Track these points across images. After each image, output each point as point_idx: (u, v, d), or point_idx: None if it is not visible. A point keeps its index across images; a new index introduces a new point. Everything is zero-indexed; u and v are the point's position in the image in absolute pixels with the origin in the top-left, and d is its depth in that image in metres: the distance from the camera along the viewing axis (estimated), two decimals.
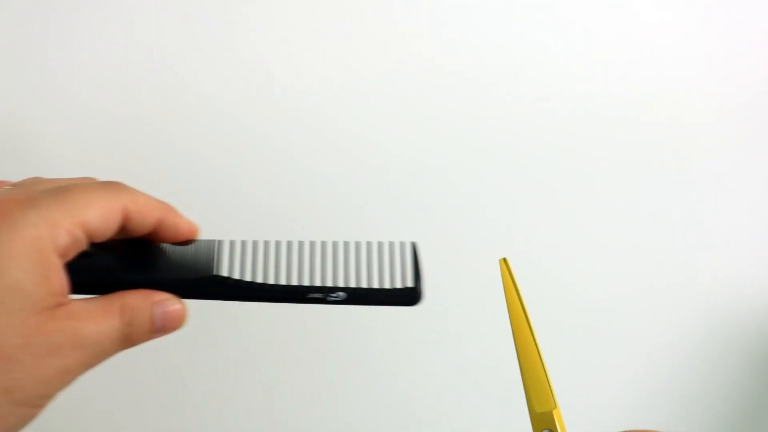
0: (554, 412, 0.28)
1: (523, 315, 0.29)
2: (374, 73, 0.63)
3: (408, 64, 0.64)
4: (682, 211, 0.65)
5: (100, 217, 0.26)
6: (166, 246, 0.30)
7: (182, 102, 0.63)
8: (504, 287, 0.30)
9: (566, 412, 0.65)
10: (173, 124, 0.62)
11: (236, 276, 0.30)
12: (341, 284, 0.30)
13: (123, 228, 0.27)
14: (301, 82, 0.63)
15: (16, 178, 0.60)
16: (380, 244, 0.31)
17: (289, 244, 0.31)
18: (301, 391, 0.64)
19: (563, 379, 0.64)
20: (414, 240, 0.32)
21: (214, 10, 0.62)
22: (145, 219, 0.28)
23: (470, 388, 0.65)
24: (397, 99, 0.64)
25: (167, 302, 0.28)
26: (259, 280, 0.30)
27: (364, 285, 0.31)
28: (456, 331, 0.65)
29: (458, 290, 0.62)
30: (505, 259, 0.31)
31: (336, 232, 0.61)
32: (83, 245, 0.26)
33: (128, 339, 0.27)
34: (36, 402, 0.25)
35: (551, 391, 0.28)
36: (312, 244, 0.31)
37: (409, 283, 0.31)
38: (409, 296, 0.31)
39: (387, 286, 0.31)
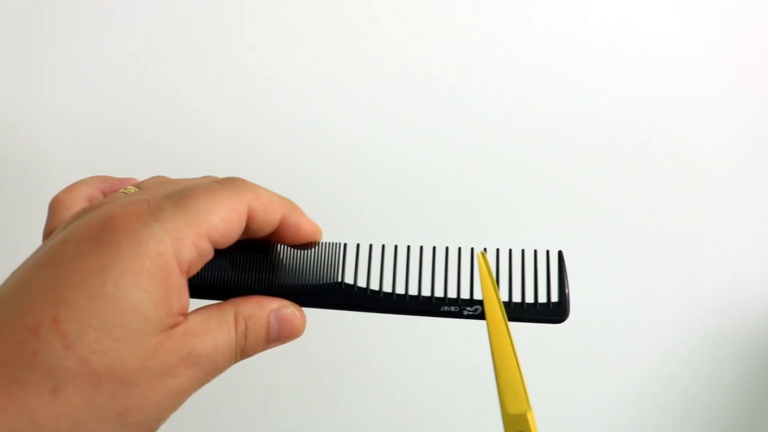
0: (528, 415, 0.25)
1: (500, 312, 0.26)
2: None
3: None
4: (683, 213, 0.63)
5: (224, 222, 0.23)
6: (286, 248, 0.27)
7: (180, 106, 0.61)
8: (481, 283, 0.27)
9: (566, 414, 0.63)
10: (171, 129, 0.61)
11: (362, 284, 0.27)
12: (478, 297, 0.27)
13: (246, 228, 0.24)
14: (299, 85, 0.61)
15: (13, 178, 0.61)
16: (522, 252, 0.27)
17: (421, 250, 0.27)
18: (300, 394, 0.63)
19: (563, 379, 0.63)
20: (560, 249, 0.28)
21: (210, 18, 0.61)
22: (268, 217, 0.25)
23: (470, 389, 0.63)
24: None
25: (283, 310, 0.26)
26: (387, 289, 0.27)
27: (503, 299, 0.27)
28: (455, 331, 0.62)
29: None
30: (482, 253, 0.27)
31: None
32: (210, 256, 0.23)
33: (242, 351, 0.25)
34: (150, 425, 0.22)
35: (525, 392, 0.25)
36: (446, 250, 0.27)
37: (555, 298, 0.27)
38: (554, 313, 0.27)
39: (529, 300, 0.27)
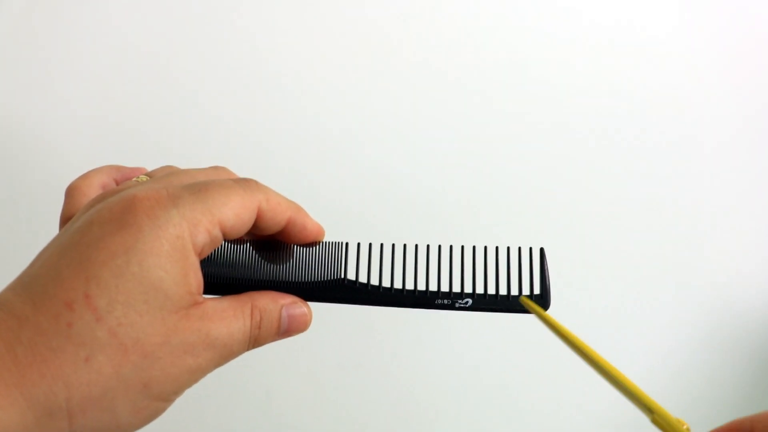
0: (653, 417, 0.25)
1: (588, 349, 0.27)
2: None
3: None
4: (684, 212, 0.64)
5: (236, 216, 0.25)
6: (293, 247, 0.29)
7: (180, 102, 0.63)
8: (557, 334, 0.27)
9: (568, 412, 0.64)
10: (173, 126, 0.63)
11: (363, 280, 0.29)
12: (468, 290, 0.29)
13: (255, 225, 0.27)
14: (301, 84, 0.63)
15: (13, 175, 0.62)
16: (507, 250, 0.30)
17: (416, 248, 0.30)
18: (300, 394, 0.64)
19: (565, 379, 0.64)
20: (542, 246, 0.30)
21: (212, 13, 0.63)
22: (276, 217, 0.27)
23: (469, 389, 0.65)
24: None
25: (294, 306, 0.28)
26: (386, 284, 0.29)
27: (491, 291, 0.29)
28: (455, 332, 0.64)
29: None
30: (525, 300, 0.29)
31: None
32: (219, 243, 0.26)
33: (255, 341, 0.27)
34: (168, 397, 0.25)
35: (648, 400, 0.25)
36: (439, 248, 0.30)
37: (537, 290, 0.30)
38: (536, 304, 0.30)
39: (514, 293, 0.30)
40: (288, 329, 0.28)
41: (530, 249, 0.30)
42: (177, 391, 0.25)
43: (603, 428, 0.65)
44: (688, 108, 0.64)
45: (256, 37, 0.63)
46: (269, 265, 0.29)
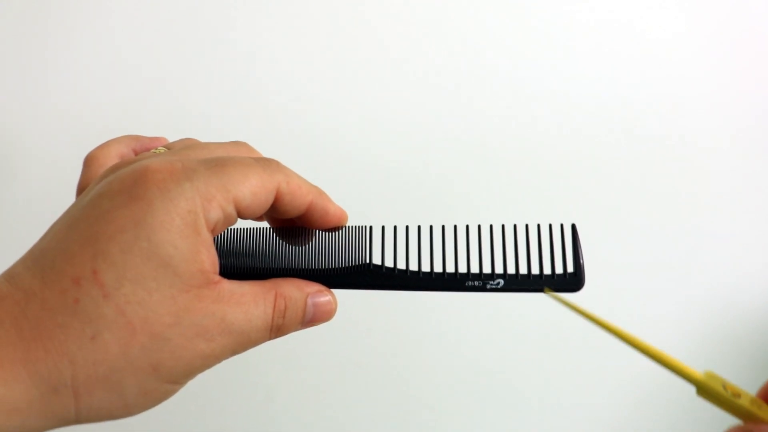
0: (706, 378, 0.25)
1: (618, 330, 0.26)
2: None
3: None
4: (684, 213, 0.64)
5: (252, 195, 0.24)
6: (317, 232, 0.28)
7: (174, 108, 0.62)
8: (590, 319, 0.27)
9: (566, 412, 0.64)
10: (170, 126, 0.62)
11: (389, 264, 0.28)
12: (499, 271, 0.28)
13: (274, 208, 0.26)
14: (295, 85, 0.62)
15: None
16: (538, 227, 0.29)
17: (443, 229, 0.28)
18: (300, 394, 0.64)
19: (564, 379, 0.64)
20: (573, 222, 0.29)
21: (205, 18, 0.62)
22: (296, 200, 0.26)
23: (469, 389, 0.64)
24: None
25: (320, 294, 0.27)
26: (414, 268, 0.28)
27: (522, 271, 0.28)
28: (455, 332, 0.63)
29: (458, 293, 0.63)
30: (547, 293, 0.28)
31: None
32: (234, 220, 0.25)
33: (278, 329, 0.26)
34: (179, 380, 0.24)
35: (680, 366, 0.26)
36: (467, 228, 0.28)
37: (570, 269, 0.28)
38: (570, 283, 0.28)
39: (546, 271, 0.28)
40: (313, 318, 0.27)
41: (561, 225, 0.29)
42: (188, 375, 0.24)
43: (603, 427, 0.64)
44: (690, 107, 0.64)
45: (250, 35, 0.62)
46: (292, 253, 0.28)
